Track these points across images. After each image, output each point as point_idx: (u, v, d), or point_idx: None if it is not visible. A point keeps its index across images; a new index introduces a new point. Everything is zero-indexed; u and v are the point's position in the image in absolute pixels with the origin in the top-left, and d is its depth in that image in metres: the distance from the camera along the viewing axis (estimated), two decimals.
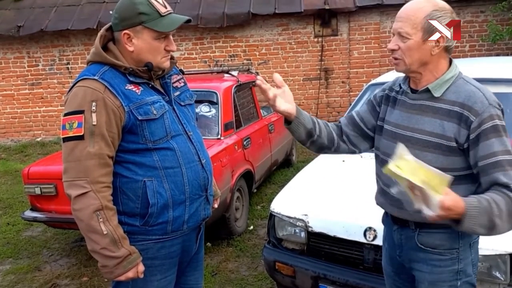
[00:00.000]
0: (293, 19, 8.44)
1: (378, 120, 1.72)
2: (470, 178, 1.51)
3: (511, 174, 1.39)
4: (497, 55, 8.08)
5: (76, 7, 8.85)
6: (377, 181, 1.76)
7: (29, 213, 3.75)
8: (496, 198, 1.37)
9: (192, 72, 5.77)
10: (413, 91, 1.59)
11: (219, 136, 4.04)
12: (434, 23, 1.45)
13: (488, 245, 1.96)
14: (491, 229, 1.38)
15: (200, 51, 8.70)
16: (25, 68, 8.99)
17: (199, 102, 4.14)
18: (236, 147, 4.16)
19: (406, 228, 1.64)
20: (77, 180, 1.52)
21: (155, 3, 1.59)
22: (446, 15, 1.47)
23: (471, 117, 1.43)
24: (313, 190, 2.80)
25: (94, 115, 1.52)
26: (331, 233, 2.41)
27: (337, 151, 1.80)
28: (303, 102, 8.72)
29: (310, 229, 2.49)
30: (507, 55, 8.06)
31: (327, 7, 8.16)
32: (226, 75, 4.94)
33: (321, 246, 2.49)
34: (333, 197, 2.64)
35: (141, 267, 1.61)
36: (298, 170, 3.46)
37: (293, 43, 8.56)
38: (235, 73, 4.93)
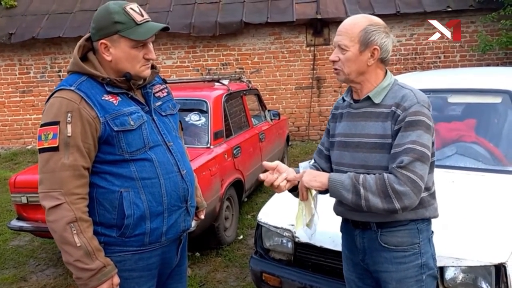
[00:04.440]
0: (286, 28, 8.49)
1: (330, 137, 1.83)
2: None
3: (407, 159, 1.51)
4: (488, 65, 8.16)
5: (69, 15, 8.86)
6: None
7: (15, 223, 3.71)
8: (366, 175, 1.56)
9: (183, 80, 5.77)
10: (356, 101, 1.73)
11: (208, 145, 4.02)
12: (369, 36, 1.60)
13: (474, 256, 1.96)
14: (358, 197, 1.54)
15: (192, 60, 8.71)
16: (16, 75, 8.96)
17: (189, 110, 4.14)
18: (226, 156, 4.15)
19: (368, 231, 1.72)
20: (51, 191, 1.51)
21: (131, 11, 1.58)
22: (380, 30, 1.62)
23: (398, 111, 1.58)
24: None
25: (69, 126, 1.50)
26: (318, 244, 2.38)
27: None
28: (295, 111, 8.75)
29: (297, 239, 2.47)
30: (497, 65, 8.14)
31: (319, 16, 8.22)
32: (216, 83, 4.94)
33: (308, 256, 2.47)
34: (320, 207, 2.62)
35: (116, 280, 1.58)
36: None
37: (285, 52, 8.59)
38: (225, 81, 4.93)
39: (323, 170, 1.85)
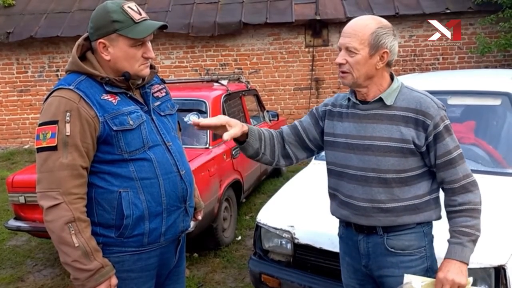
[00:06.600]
0: (285, 29, 8.48)
1: (325, 135, 1.78)
2: (427, 175, 1.65)
3: (463, 167, 1.60)
4: (486, 67, 8.17)
5: (67, 14, 8.83)
6: (333, 195, 1.80)
7: (12, 222, 3.70)
8: (463, 222, 1.57)
9: (182, 80, 5.76)
10: (363, 102, 1.67)
11: (207, 146, 4.01)
12: (380, 39, 1.56)
13: (473, 258, 1.93)
14: (477, 240, 1.59)
15: (191, 60, 8.70)
16: (14, 74, 8.93)
17: (188, 111, 4.12)
18: (224, 156, 4.14)
19: (373, 235, 1.69)
20: (49, 191, 1.49)
21: (129, 10, 1.57)
22: (389, 32, 1.58)
23: (427, 121, 1.57)
24: (300, 201, 2.78)
25: (68, 125, 1.49)
26: (317, 245, 2.38)
27: (277, 165, 1.88)
28: (293, 112, 8.74)
29: (296, 240, 2.46)
30: (496, 67, 8.15)
31: (318, 17, 8.21)
32: (215, 84, 4.94)
33: (307, 258, 2.46)
34: (320, 208, 2.61)
35: (114, 280, 1.57)
36: (287, 179, 3.45)
37: (284, 52, 8.58)
38: (224, 82, 4.92)
39: (287, 144, 1.81)
